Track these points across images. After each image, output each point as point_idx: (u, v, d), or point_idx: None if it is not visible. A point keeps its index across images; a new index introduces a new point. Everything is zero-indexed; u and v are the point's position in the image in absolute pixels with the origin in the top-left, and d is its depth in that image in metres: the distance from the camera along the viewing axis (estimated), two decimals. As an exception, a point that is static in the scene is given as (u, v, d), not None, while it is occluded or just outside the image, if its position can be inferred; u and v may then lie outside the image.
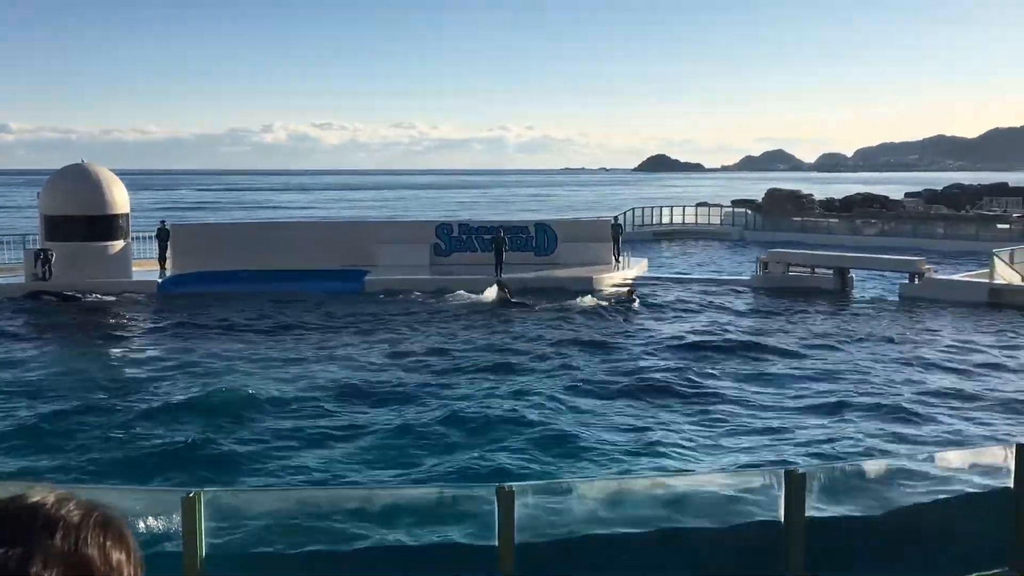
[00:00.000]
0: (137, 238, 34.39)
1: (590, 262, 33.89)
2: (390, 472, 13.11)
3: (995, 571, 8.13)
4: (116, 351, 22.83)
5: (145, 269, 32.95)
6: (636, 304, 27.59)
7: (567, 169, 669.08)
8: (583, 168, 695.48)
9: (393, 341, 22.75)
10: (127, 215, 32.27)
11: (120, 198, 31.87)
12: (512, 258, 32.83)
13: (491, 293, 28.43)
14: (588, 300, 28.03)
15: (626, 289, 29.13)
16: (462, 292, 29.12)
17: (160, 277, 32.31)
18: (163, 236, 33.64)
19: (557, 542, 7.09)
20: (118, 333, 25.24)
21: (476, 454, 13.72)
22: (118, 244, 31.65)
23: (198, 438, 14.54)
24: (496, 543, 6.44)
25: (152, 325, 25.97)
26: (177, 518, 6.28)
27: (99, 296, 29.30)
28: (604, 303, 27.87)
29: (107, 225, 31.30)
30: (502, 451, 13.86)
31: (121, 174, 33.72)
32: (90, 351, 22.62)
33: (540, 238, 35.17)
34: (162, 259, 33.36)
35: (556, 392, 17.36)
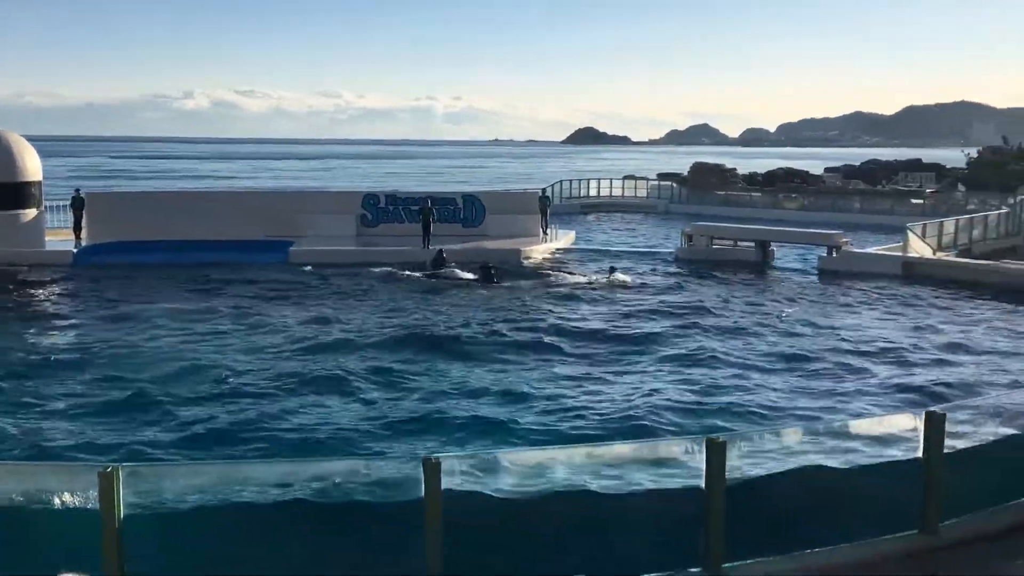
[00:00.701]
0: (51, 207, 33.25)
1: (518, 234, 33.95)
2: (332, 449, 12.93)
3: (906, 533, 8.46)
4: (31, 323, 22.04)
5: (59, 239, 31.89)
6: (628, 279, 27.48)
7: (496, 141, 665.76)
8: (511, 140, 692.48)
9: (364, 316, 22.42)
10: (39, 183, 31.14)
11: (32, 165, 30.71)
12: (440, 229, 32.66)
13: (472, 273, 27.70)
14: (572, 278, 27.80)
15: (608, 268, 28.80)
16: (453, 269, 28.16)
17: (75, 247, 31.31)
18: (78, 205, 32.56)
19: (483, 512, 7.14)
20: (33, 304, 24.37)
21: (414, 430, 13.69)
22: (30, 213, 30.56)
23: (118, 411, 14.18)
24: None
25: (68, 296, 25.16)
26: (94, 494, 6.11)
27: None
28: (583, 279, 27.70)
29: (18, 193, 30.17)
30: (442, 427, 13.84)
31: (33, 140, 32.45)
32: (3, 324, 21.80)
33: (468, 210, 35.07)
34: (77, 229, 32.31)
35: (508, 367, 17.41)
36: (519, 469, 7.46)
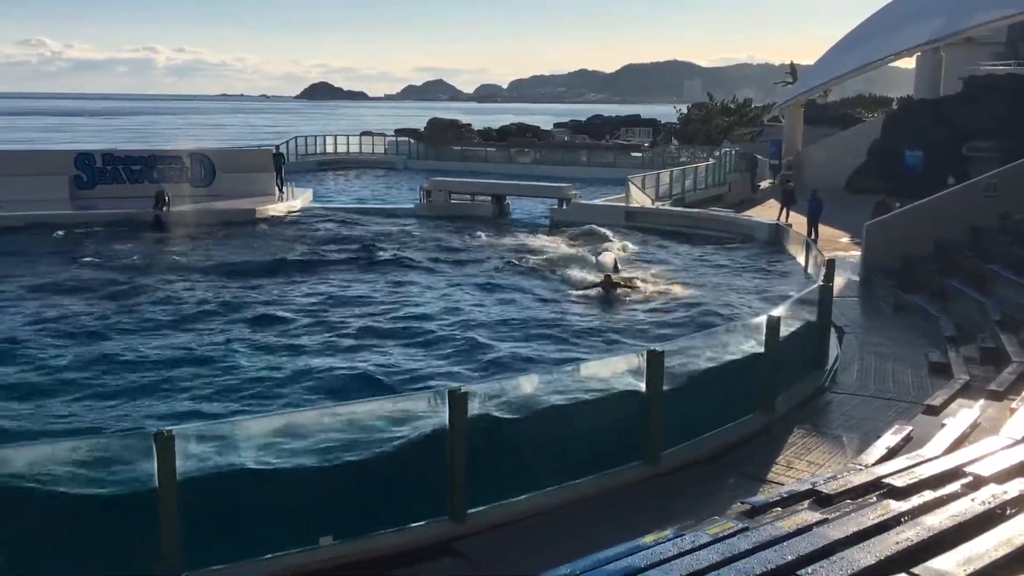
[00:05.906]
0: None
1: (251, 193, 32.72)
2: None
3: (630, 464, 9.15)
4: None
5: None
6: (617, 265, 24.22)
7: (224, 95, 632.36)
8: (242, 95, 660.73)
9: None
10: None
11: None
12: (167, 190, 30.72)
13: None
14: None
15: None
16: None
17: None
18: None
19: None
20: None
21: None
22: None
23: None
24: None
25: None
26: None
27: None
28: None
29: None
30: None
31: None
32: None
33: (196, 169, 33.23)
34: None
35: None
36: (255, 438, 7.29)
